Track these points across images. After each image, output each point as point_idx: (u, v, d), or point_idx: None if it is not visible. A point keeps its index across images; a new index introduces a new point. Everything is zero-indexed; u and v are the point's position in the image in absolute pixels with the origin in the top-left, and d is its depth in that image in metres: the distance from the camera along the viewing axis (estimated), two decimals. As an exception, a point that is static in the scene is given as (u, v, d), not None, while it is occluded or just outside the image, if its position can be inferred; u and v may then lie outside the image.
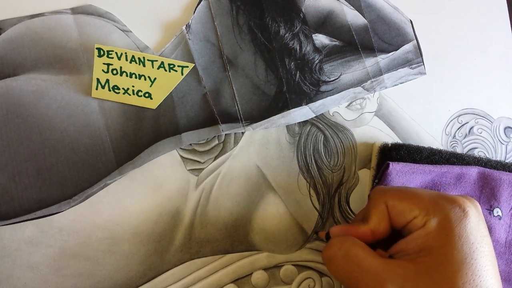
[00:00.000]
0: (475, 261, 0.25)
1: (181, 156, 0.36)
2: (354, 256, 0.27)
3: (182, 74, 0.35)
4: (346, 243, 0.28)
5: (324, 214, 0.38)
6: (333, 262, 0.28)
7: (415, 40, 0.39)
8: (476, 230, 0.26)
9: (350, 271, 0.27)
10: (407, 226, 0.27)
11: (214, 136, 0.37)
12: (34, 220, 0.34)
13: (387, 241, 0.29)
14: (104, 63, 0.34)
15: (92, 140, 0.34)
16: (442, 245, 0.25)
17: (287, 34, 0.37)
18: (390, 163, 0.34)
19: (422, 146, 0.37)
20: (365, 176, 0.38)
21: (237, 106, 0.36)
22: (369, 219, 0.29)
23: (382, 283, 0.25)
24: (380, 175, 0.35)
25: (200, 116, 0.36)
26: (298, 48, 0.37)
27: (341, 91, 0.38)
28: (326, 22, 0.38)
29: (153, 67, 0.35)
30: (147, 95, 0.35)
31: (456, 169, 0.35)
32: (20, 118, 0.34)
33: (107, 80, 0.34)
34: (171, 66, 0.35)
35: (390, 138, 0.39)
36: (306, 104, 0.37)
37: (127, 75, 0.35)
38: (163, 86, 0.35)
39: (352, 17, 0.38)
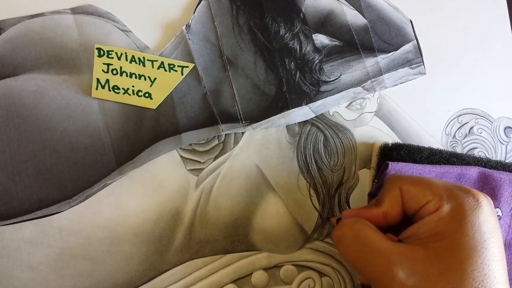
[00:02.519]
0: (485, 250, 0.25)
1: (181, 156, 0.36)
2: (364, 237, 0.27)
3: (182, 74, 0.35)
4: (357, 224, 0.28)
5: (324, 214, 0.38)
6: (342, 242, 0.28)
7: (415, 40, 0.39)
8: (488, 221, 0.26)
9: (359, 251, 0.26)
10: (420, 211, 0.27)
11: (214, 136, 0.37)
12: (34, 220, 0.34)
13: (398, 229, 0.29)
14: (104, 63, 0.34)
15: (92, 140, 0.34)
16: (454, 231, 0.25)
17: (287, 34, 0.37)
18: (390, 163, 0.34)
19: (423, 146, 0.37)
20: (365, 176, 0.38)
21: (237, 106, 0.36)
22: (382, 202, 0.29)
23: (391, 264, 0.25)
24: (380, 174, 0.35)
25: (200, 116, 0.36)
26: (298, 48, 0.37)
27: (341, 91, 0.38)
28: (326, 22, 0.38)
29: (153, 67, 0.35)
30: (147, 95, 0.35)
31: (456, 169, 0.35)
32: (20, 118, 0.34)
33: (107, 80, 0.34)
34: (171, 66, 0.35)
35: (390, 138, 0.39)
36: (306, 104, 0.37)
37: (127, 75, 0.35)
38: (163, 86, 0.35)
39: (352, 17, 0.38)
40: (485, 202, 0.26)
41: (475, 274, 0.24)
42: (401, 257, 0.25)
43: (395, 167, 0.34)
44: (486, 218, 0.26)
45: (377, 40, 0.38)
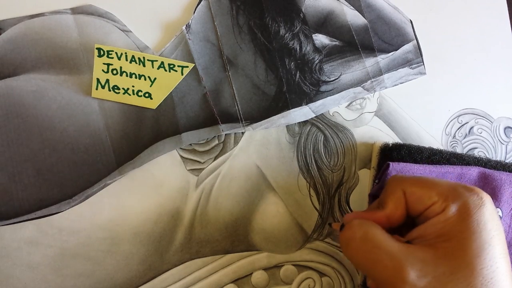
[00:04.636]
0: (492, 248, 0.25)
1: (181, 156, 0.36)
2: (373, 237, 0.26)
3: (182, 74, 0.35)
4: (364, 225, 0.27)
5: (324, 214, 0.38)
6: (351, 244, 0.27)
7: (415, 40, 0.39)
8: (492, 219, 0.26)
9: (368, 252, 0.26)
10: (425, 213, 0.27)
11: (214, 136, 0.37)
12: (34, 220, 0.34)
13: (399, 230, 0.29)
14: (104, 63, 0.34)
15: (92, 140, 0.34)
16: (461, 231, 0.25)
17: (287, 34, 0.37)
18: (391, 163, 0.34)
19: (423, 146, 0.37)
20: (365, 176, 0.38)
21: (237, 106, 0.36)
22: (385, 205, 0.29)
23: (402, 266, 0.25)
24: (381, 175, 0.35)
25: (200, 116, 0.36)
26: (298, 48, 0.37)
27: (341, 91, 0.38)
28: (326, 22, 0.38)
29: (153, 67, 0.35)
30: (147, 95, 0.35)
31: (456, 170, 0.35)
32: (20, 118, 0.34)
33: (107, 80, 0.34)
34: (171, 66, 0.35)
35: (390, 138, 0.39)
36: (306, 104, 0.37)
37: (127, 75, 0.35)
38: (163, 86, 0.35)
39: (352, 17, 0.38)
40: (488, 199, 0.27)
41: (484, 272, 0.24)
42: (411, 257, 0.25)
43: (396, 168, 0.34)
44: (490, 215, 0.26)
45: (377, 40, 0.38)
